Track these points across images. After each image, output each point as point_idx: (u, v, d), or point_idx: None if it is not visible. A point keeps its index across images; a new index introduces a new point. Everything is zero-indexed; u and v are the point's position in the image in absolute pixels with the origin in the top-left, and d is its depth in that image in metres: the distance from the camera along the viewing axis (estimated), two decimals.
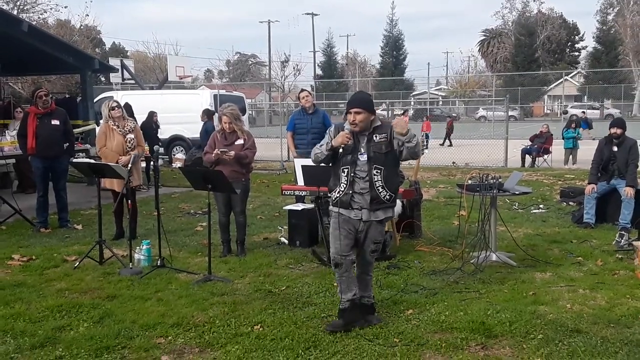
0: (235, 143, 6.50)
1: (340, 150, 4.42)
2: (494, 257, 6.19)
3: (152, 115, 13.80)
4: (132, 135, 7.25)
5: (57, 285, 5.64)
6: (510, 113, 20.21)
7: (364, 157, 4.42)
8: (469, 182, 6.31)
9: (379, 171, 4.40)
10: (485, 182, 6.11)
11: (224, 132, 6.57)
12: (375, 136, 4.43)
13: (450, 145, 22.14)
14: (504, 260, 6.16)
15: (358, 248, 4.61)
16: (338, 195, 4.49)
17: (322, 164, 4.66)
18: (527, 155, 16.64)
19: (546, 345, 4.13)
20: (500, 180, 6.28)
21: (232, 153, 6.39)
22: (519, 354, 4.03)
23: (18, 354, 4.10)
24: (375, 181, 4.40)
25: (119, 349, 4.19)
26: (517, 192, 6.51)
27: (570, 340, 4.20)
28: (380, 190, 4.41)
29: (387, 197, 4.45)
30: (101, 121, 7.79)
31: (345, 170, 4.44)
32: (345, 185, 4.45)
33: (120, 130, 7.23)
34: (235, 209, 6.65)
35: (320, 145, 4.57)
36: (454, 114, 47.04)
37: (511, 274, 5.83)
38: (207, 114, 13.58)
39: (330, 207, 4.64)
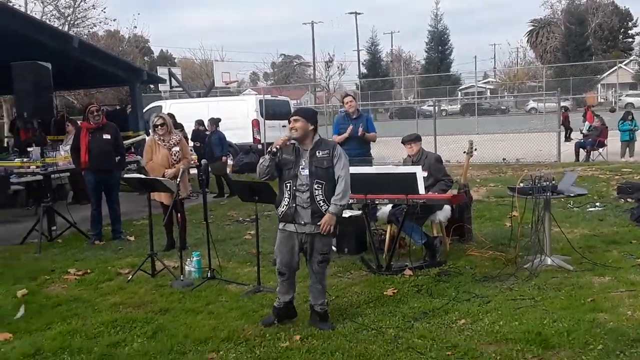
0: None
1: (278, 159, 4.61)
2: (549, 261, 5.99)
3: (200, 124, 13.89)
4: (177, 149, 7.34)
5: (112, 299, 5.76)
6: (562, 104, 19.63)
7: (305, 172, 4.60)
8: (521, 184, 6.13)
9: (320, 185, 4.56)
10: (538, 185, 5.92)
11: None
12: (318, 152, 4.61)
13: (569, 138, 20.26)
14: (559, 264, 5.97)
15: (306, 260, 4.77)
16: (282, 209, 4.67)
17: (267, 176, 4.72)
18: (581, 149, 16.13)
19: (606, 356, 3.97)
20: (553, 181, 6.08)
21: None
22: None
23: None
24: (316, 195, 4.56)
25: None
26: (572, 194, 6.29)
27: (632, 351, 4.02)
28: (322, 204, 4.57)
29: (326, 209, 4.57)
30: (150, 132, 7.99)
31: (288, 184, 4.63)
32: (288, 199, 4.62)
33: (165, 145, 7.34)
34: None
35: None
36: (502, 107, 46.12)
37: (568, 278, 5.63)
38: (215, 122, 12.87)
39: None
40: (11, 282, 6.39)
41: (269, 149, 4.68)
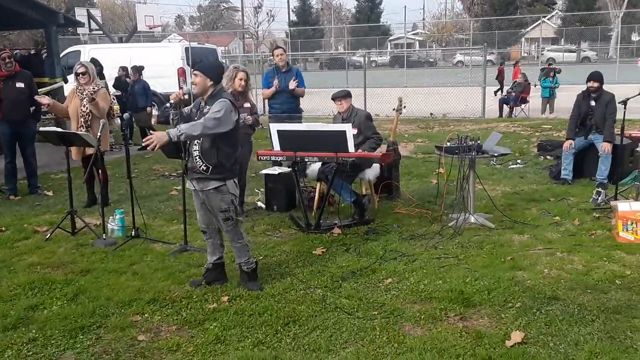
0: (244, 106, 6.28)
1: (171, 109, 4.56)
2: (472, 219, 6.16)
3: (123, 70, 13.30)
4: (87, 102, 6.91)
5: (29, 259, 5.51)
6: (487, 57, 19.84)
7: None
8: (448, 144, 6.22)
9: (198, 142, 4.48)
10: (464, 145, 6.03)
11: (232, 92, 6.29)
12: (206, 107, 4.50)
13: (500, 91, 19.65)
14: (482, 222, 6.15)
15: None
16: (183, 166, 4.70)
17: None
18: (504, 105, 16.58)
19: (524, 314, 4.14)
20: (479, 141, 6.20)
21: (250, 119, 6.27)
22: (497, 324, 4.02)
23: None
24: (194, 151, 4.52)
25: (94, 328, 4.10)
26: (496, 154, 6.44)
27: (547, 309, 4.20)
28: (197, 160, 4.50)
29: (204, 168, 4.50)
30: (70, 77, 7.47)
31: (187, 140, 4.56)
32: (186, 156, 4.62)
33: (80, 95, 6.96)
34: (241, 170, 6.50)
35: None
36: (430, 59, 46.68)
37: (489, 236, 5.81)
38: (138, 70, 12.35)
39: None
40: None
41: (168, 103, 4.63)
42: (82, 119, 6.91)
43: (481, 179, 6.87)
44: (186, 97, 4.68)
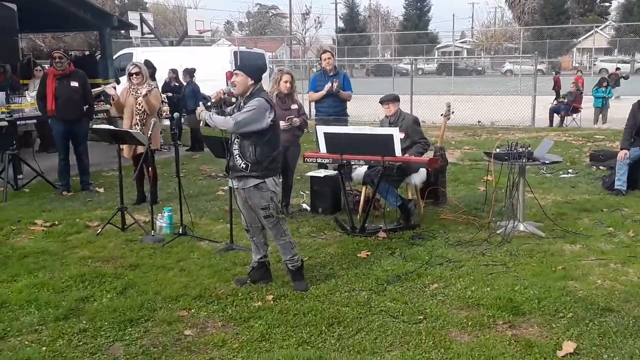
0: (291, 108, 6.33)
1: (212, 108, 4.60)
2: (521, 227, 6.03)
3: (174, 72, 13.54)
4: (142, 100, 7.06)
5: (80, 252, 5.64)
6: (537, 67, 19.42)
7: None
8: (497, 150, 6.11)
9: (238, 140, 4.56)
10: (514, 151, 5.91)
11: (279, 94, 6.34)
12: (244, 106, 4.54)
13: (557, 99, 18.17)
14: (532, 230, 6.01)
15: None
16: (226, 164, 4.75)
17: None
18: (555, 114, 16.22)
19: (576, 325, 4.02)
20: (529, 148, 6.06)
21: (297, 121, 6.34)
22: (548, 334, 3.92)
23: (42, 326, 4.09)
24: (234, 149, 4.58)
25: (142, 321, 4.17)
26: (547, 162, 6.29)
27: (601, 320, 4.07)
28: (238, 159, 4.56)
29: (243, 165, 4.54)
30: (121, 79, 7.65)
31: (230, 137, 4.65)
32: (228, 154, 4.67)
33: (133, 94, 7.10)
34: (288, 172, 6.60)
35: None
36: (479, 68, 46.10)
37: (539, 245, 5.67)
38: (190, 73, 12.56)
39: None
40: None
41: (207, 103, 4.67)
42: (137, 117, 7.05)
43: (531, 187, 6.73)
44: (226, 96, 4.71)
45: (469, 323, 4.08)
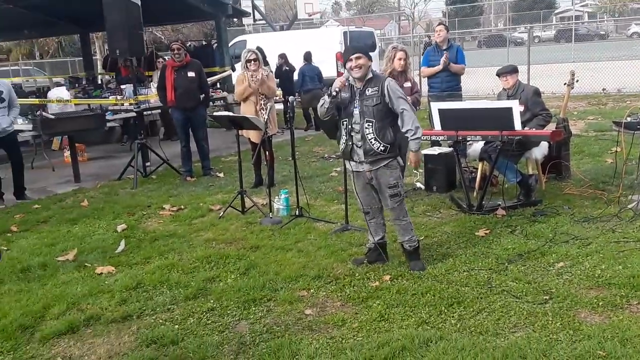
0: (404, 86, 6.21)
1: (338, 97, 4.52)
2: None
3: (282, 57, 13.82)
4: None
5: (205, 235, 5.93)
6: None
7: (357, 110, 4.53)
8: (628, 119, 5.68)
9: (370, 124, 4.48)
10: None
11: (392, 72, 6.28)
12: (368, 89, 4.50)
13: None
14: None
15: (379, 197, 4.70)
16: (341, 147, 4.68)
17: (328, 116, 4.67)
18: None
19: None
20: None
21: (409, 98, 6.25)
22: None
23: (174, 305, 4.34)
24: (367, 134, 4.49)
25: (265, 301, 4.31)
26: None
27: None
28: (373, 142, 4.49)
29: (382, 148, 4.49)
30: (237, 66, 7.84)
31: (344, 122, 4.58)
32: (345, 137, 4.59)
33: (253, 79, 7.29)
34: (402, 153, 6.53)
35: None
36: (601, 32, 43.08)
37: None
38: (306, 58, 12.93)
39: None
40: (111, 217, 6.71)
41: (329, 91, 4.58)
42: (262, 102, 7.25)
43: None
44: (348, 83, 4.63)
45: (600, 303, 3.86)
